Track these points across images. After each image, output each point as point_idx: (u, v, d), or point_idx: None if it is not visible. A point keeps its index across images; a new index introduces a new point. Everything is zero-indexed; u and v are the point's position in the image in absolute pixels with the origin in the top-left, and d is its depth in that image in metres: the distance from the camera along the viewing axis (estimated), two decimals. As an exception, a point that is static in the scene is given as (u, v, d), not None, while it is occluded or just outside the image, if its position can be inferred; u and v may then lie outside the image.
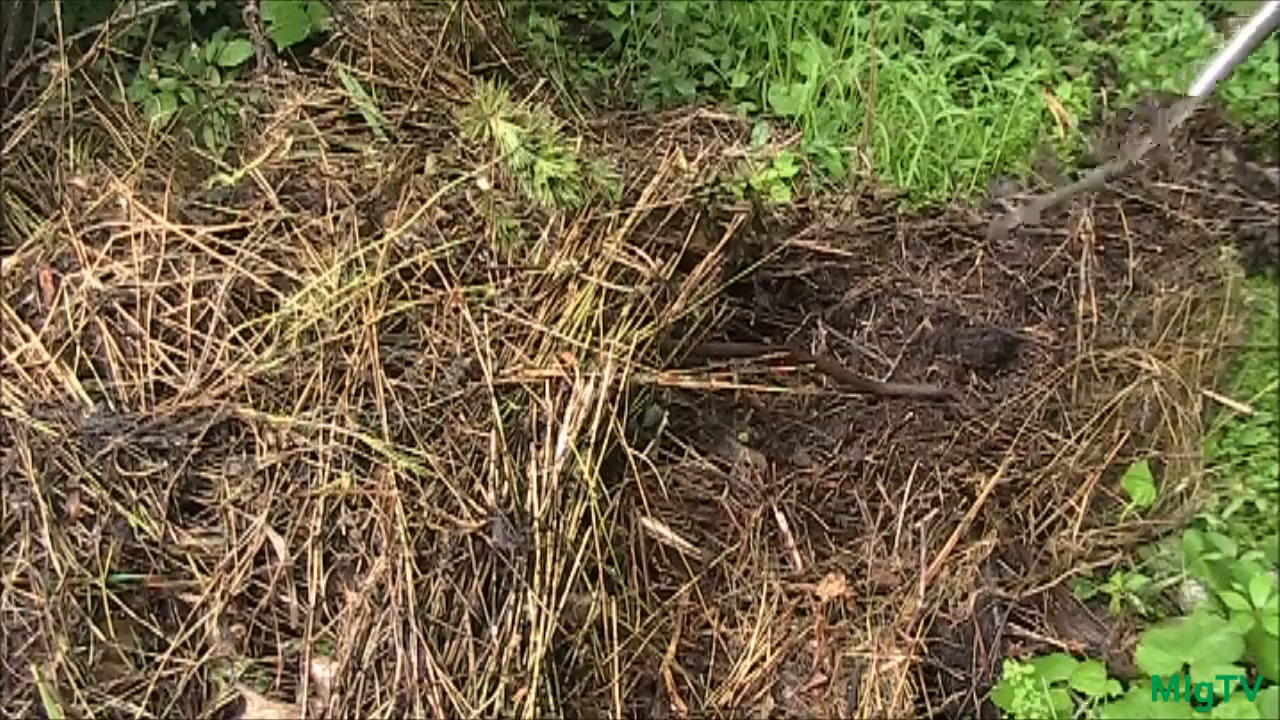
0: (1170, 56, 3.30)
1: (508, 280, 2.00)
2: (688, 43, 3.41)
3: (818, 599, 1.98)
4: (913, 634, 1.93)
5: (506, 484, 1.82)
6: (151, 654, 1.75)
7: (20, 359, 1.90)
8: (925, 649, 1.94)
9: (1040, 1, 3.50)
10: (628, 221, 2.04)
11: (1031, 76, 3.17)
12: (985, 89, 3.17)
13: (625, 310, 1.98)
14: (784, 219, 2.67)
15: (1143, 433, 2.30)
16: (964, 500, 2.17)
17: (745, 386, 2.16)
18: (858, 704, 1.87)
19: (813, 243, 2.58)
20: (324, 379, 1.88)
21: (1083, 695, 1.88)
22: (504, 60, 2.88)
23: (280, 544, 1.78)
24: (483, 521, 1.78)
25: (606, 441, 1.89)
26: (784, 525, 2.12)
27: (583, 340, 1.93)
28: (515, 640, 1.73)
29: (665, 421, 2.10)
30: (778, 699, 1.92)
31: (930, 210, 2.88)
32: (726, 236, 2.16)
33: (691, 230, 2.11)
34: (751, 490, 2.16)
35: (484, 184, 2.00)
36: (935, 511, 2.16)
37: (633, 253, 2.03)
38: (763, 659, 1.93)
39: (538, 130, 1.94)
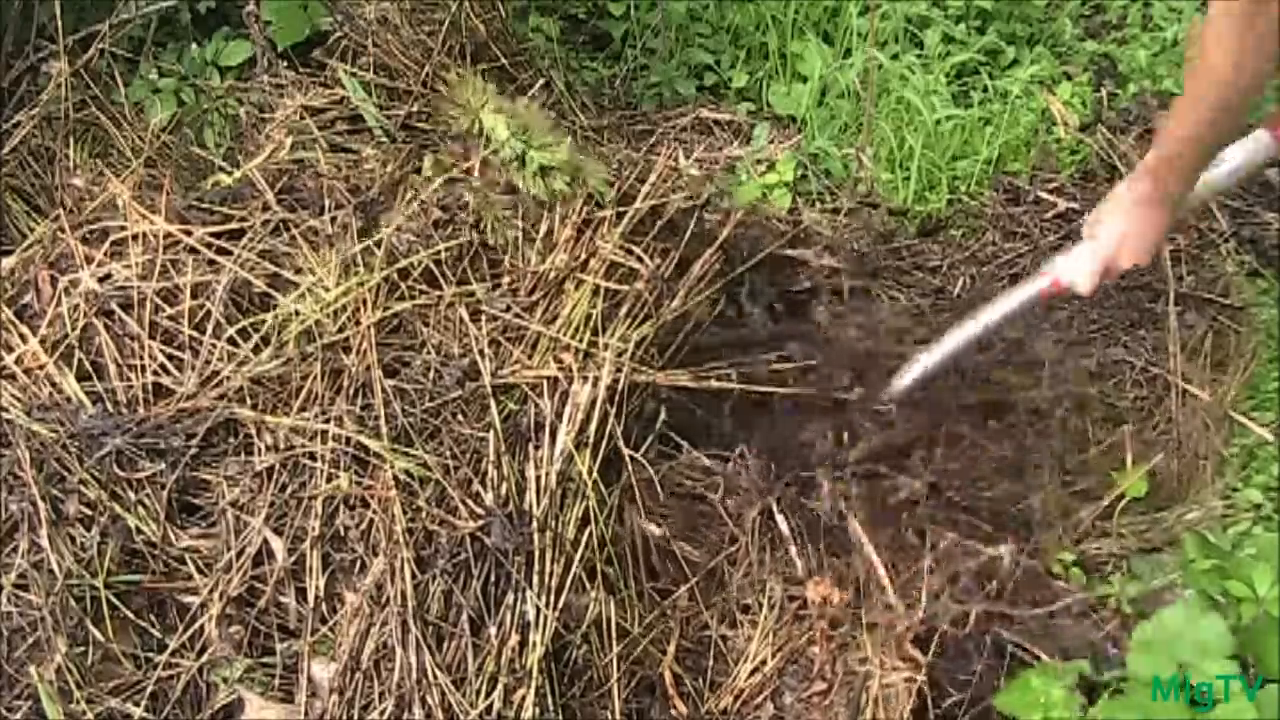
0: (1170, 56, 3.29)
1: (505, 280, 2.00)
2: (688, 43, 3.40)
3: (814, 602, 1.97)
4: (914, 640, 1.91)
5: (505, 484, 1.82)
6: (150, 655, 1.75)
7: (19, 360, 1.90)
8: (927, 654, 1.92)
9: (1040, 1, 3.50)
10: (624, 220, 2.03)
11: (1030, 75, 3.17)
12: (985, 89, 3.17)
13: (623, 309, 1.98)
14: (780, 226, 2.67)
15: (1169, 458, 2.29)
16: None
17: (745, 387, 2.15)
18: (859, 712, 1.86)
19: (810, 255, 2.57)
20: (322, 380, 1.88)
21: (1084, 696, 1.87)
22: (504, 60, 2.88)
23: (278, 545, 1.78)
24: (481, 522, 1.77)
25: (605, 441, 1.89)
26: (784, 527, 2.10)
27: (580, 340, 1.93)
28: (514, 640, 1.73)
29: (664, 417, 2.08)
30: (777, 704, 1.91)
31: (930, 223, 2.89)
32: (724, 234, 2.15)
33: (686, 235, 2.10)
34: (752, 489, 2.14)
35: (476, 179, 2.00)
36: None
37: (630, 251, 2.02)
38: (763, 663, 1.93)
39: (527, 122, 1.95)
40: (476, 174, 2.01)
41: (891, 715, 1.85)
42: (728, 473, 2.15)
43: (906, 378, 2.15)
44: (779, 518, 2.10)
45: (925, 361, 2.14)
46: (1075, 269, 1.92)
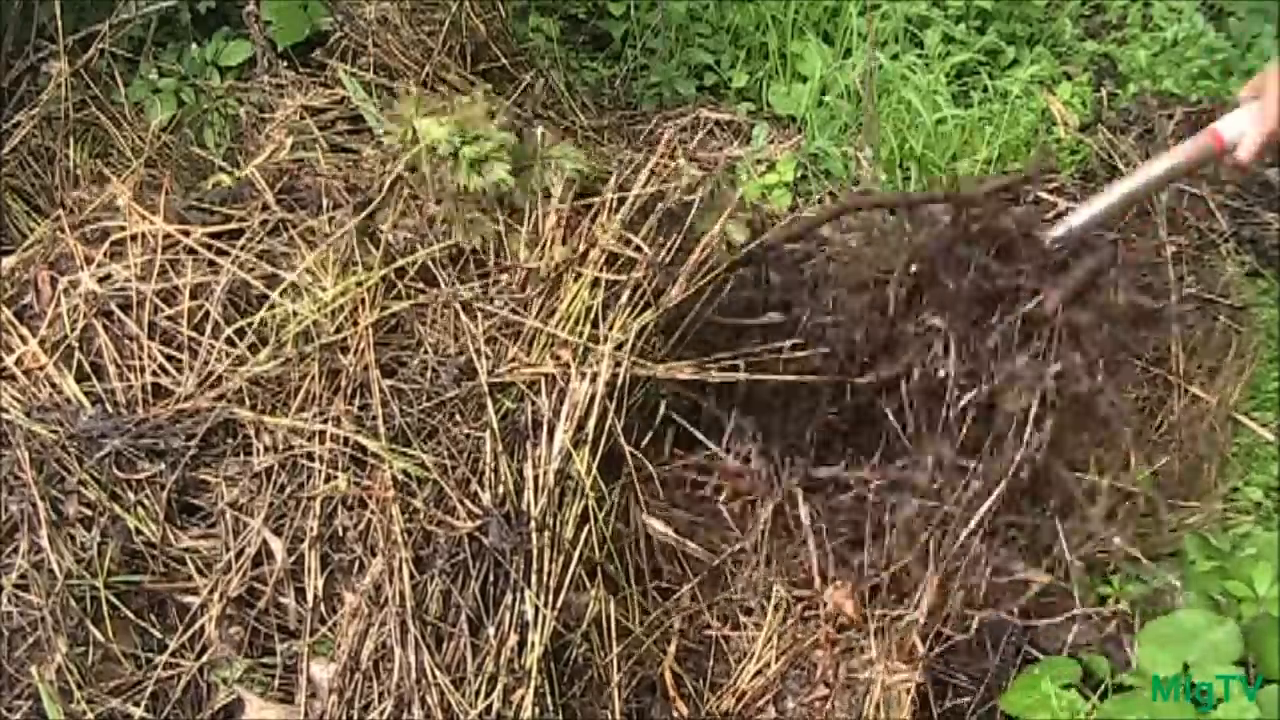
0: (1170, 56, 3.29)
1: (503, 277, 2.00)
2: (688, 43, 3.40)
3: (824, 604, 1.95)
4: (922, 639, 1.89)
5: (502, 484, 1.82)
6: (150, 655, 1.76)
7: (19, 361, 1.90)
8: (932, 658, 1.91)
9: (1040, 1, 3.50)
10: (624, 207, 2.01)
11: (1030, 75, 3.17)
12: (985, 89, 3.17)
13: (623, 298, 1.95)
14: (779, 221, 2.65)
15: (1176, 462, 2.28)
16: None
17: (749, 377, 2.10)
18: (861, 718, 1.85)
19: (810, 248, 2.55)
20: (320, 380, 1.88)
21: (1086, 696, 1.87)
22: (504, 60, 2.88)
23: (277, 545, 1.78)
24: (479, 521, 1.77)
25: (605, 437, 1.88)
26: (796, 522, 2.06)
27: (578, 335, 1.92)
28: (513, 640, 1.73)
29: (667, 409, 2.05)
30: (779, 708, 1.90)
31: None
32: (720, 222, 2.11)
33: (687, 222, 2.08)
34: (763, 481, 2.10)
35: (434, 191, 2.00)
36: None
37: (628, 242, 2.01)
38: (766, 666, 1.92)
39: (467, 117, 1.94)
40: (430, 185, 2.00)
41: (893, 719, 1.85)
42: (749, 466, 2.09)
43: (1064, 226, 2.07)
44: (790, 511, 2.05)
45: (1084, 211, 2.06)
46: (1241, 130, 1.88)
